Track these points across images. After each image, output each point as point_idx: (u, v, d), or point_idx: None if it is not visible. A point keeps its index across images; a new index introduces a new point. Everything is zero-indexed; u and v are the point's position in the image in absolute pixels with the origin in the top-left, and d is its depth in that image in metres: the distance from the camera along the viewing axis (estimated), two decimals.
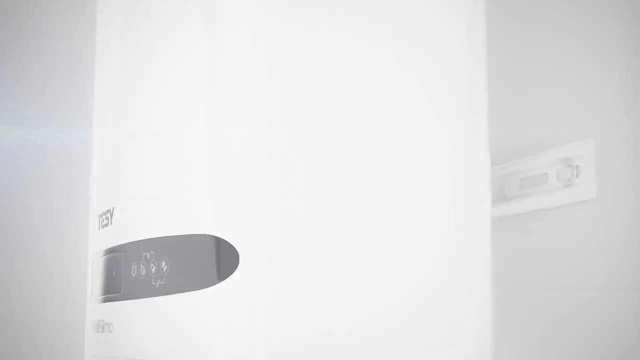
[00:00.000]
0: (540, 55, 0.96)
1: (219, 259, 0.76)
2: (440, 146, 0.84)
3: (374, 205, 0.80)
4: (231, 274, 0.75)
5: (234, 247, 0.75)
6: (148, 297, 0.84)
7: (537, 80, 0.96)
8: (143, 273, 0.85)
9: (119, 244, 0.90)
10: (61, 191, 1.15)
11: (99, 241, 0.96)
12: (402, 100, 0.82)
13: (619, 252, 0.86)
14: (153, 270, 0.83)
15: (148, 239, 0.85)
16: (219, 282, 0.76)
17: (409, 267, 0.81)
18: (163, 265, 0.82)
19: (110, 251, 0.92)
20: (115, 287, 0.90)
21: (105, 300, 0.93)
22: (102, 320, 0.93)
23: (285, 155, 0.76)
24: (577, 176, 0.90)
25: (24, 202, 1.17)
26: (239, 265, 0.75)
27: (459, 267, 0.84)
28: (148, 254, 0.84)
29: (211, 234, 0.77)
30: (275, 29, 0.78)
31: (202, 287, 0.77)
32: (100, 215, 0.96)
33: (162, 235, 0.83)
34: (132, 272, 0.87)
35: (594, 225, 0.88)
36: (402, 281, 0.80)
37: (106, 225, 0.94)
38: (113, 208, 0.93)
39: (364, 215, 0.79)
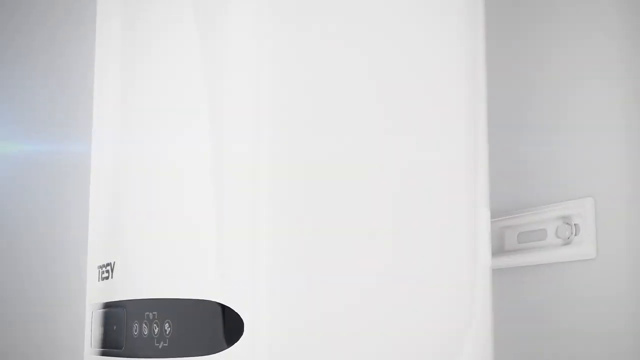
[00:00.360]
0: (544, 115, 0.97)
1: (224, 327, 0.76)
2: (441, 196, 0.85)
3: (376, 262, 0.80)
4: (236, 342, 0.75)
5: (239, 316, 0.75)
6: (150, 358, 0.84)
7: (539, 138, 0.97)
8: (145, 333, 0.85)
9: (121, 299, 0.90)
10: (60, 239, 1.15)
11: (99, 293, 0.96)
12: (403, 153, 0.83)
13: (617, 313, 0.87)
14: (156, 331, 0.83)
15: (151, 298, 0.85)
16: (223, 350, 0.76)
17: (411, 319, 0.81)
18: (166, 327, 0.82)
19: (111, 305, 0.92)
20: (117, 343, 0.90)
21: (106, 354, 0.93)
22: None
23: (289, 224, 0.77)
24: (576, 235, 0.91)
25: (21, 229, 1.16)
26: (244, 334, 0.75)
27: (459, 317, 0.85)
28: (151, 314, 0.84)
29: (217, 300, 0.77)
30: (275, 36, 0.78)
31: (206, 354, 0.77)
32: (101, 267, 0.96)
33: (166, 297, 0.83)
34: (134, 330, 0.87)
35: (592, 284, 0.89)
36: (405, 334, 0.81)
37: (107, 278, 0.94)
38: (114, 262, 0.93)
39: (365, 278, 0.80)
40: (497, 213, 1.00)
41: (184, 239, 0.82)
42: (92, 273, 0.99)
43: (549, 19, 0.98)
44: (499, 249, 1.00)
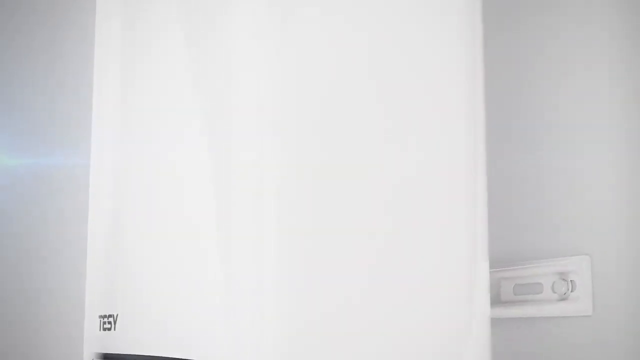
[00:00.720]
0: (543, 174, 0.99)
1: None
2: (441, 245, 0.86)
3: (378, 319, 0.81)
4: None
5: None
6: None
7: (537, 198, 0.99)
8: None
9: (124, 352, 0.91)
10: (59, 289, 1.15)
11: (99, 342, 0.96)
12: (404, 212, 0.84)
13: None
14: None
15: (158, 357, 0.85)
16: None
17: None
18: None
19: (114, 357, 0.93)
20: None
21: None
22: None
23: (298, 290, 0.78)
24: (572, 291, 0.93)
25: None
26: None
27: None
28: None
29: None
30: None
31: None
32: (102, 317, 0.96)
33: (175, 357, 0.83)
34: None
35: (588, 341, 0.91)
36: None
37: (109, 329, 0.95)
38: (117, 315, 0.93)
39: (369, 336, 0.81)
40: (493, 264, 1.02)
41: (192, 298, 0.83)
42: (92, 320, 0.99)
43: (548, 20, 1.00)
44: (495, 299, 1.02)
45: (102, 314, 0.97)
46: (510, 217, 1.01)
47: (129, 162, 0.95)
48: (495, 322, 1.02)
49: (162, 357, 0.84)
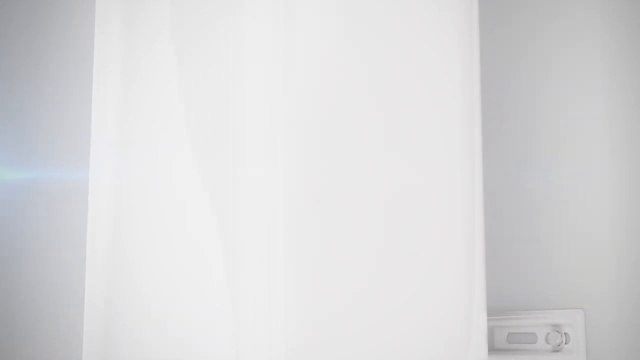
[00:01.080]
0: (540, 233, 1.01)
1: None
2: (441, 250, 0.87)
3: (380, 320, 0.82)
4: None
5: None
6: None
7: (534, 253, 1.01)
8: None
9: None
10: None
11: None
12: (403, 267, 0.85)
13: None
14: None
15: None
16: None
17: None
18: None
19: None
20: None
21: None
22: None
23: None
24: (566, 343, 0.94)
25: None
26: None
27: None
28: None
29: None
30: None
31: None
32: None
33: None
34: None
35: None
36: None
37: None
38: None
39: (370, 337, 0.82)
40: (488, 311, 1.03)
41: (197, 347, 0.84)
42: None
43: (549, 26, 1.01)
44: (489, 346, 1.03)
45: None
46: (509, 266, 1.03)
47: (130, 163, 0.95)
48: None
49: None
